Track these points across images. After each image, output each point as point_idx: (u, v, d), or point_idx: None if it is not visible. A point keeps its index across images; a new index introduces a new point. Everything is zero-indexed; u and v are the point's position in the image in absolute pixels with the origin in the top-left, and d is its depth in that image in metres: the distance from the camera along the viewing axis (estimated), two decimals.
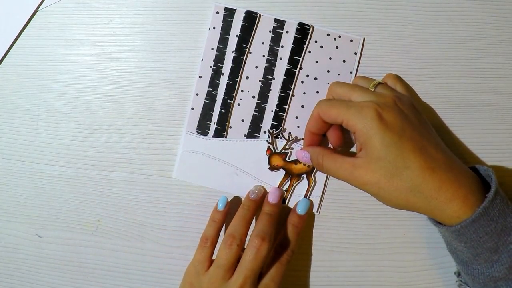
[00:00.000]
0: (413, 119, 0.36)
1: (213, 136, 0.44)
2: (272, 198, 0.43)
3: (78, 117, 0.45)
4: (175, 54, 0.45)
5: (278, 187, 0.44)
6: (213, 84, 0.44)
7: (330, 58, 0.44)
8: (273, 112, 0.44)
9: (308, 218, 0.44)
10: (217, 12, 0.44)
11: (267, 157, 0.44)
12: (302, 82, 0.44)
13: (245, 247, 0.41)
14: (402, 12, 0.44)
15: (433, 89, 0.44)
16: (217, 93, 0.44)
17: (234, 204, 0.44)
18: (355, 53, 0.44)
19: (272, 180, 0.44)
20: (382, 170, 0.35)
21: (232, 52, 0.44)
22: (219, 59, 0.44)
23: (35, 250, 0.46)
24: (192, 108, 0.44)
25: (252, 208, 0.42)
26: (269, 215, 0.42)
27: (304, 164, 0.44)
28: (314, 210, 0.44)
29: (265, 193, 0.44)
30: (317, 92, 0.44)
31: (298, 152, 0.43)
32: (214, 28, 0.44)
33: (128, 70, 0.45)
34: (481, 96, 0.45)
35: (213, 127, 0.44)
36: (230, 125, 0.44)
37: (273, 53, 0.44)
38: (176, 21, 0.45)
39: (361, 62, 0.44)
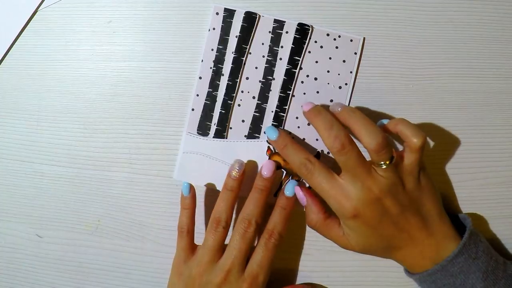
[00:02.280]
0: (396, 208, 0.38)
1: (213, 137, 0.44)
2: (265, 171, 0.42)
3: (78, 117, 0.45)
4: (175, 54, 0.45)
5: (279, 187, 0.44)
6: (213, 85, 0.44)
7: (330, 58, 0.44)
8: (273, 113, 0.44)
9: None
10: (217, 13, 0.44)
11: (268, 157, 0.44)
12: (302, 82, 0.44)
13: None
14: (402, 12, 0.44)
15: (433, 89, 0.44)
16: (217, 94, 0.44)
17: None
18: (355, 53, 0.44)
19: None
20: (358, 247, 0.40)
21: (232, 53, 0.44)
22: (219, 60, 0.44)
23: (35, 250, 0.46)
24: (193, 109, 0.44)
25: (235, 188, 0.42)
26: (260, 191, 0.41)
27: None
28: None
29: (245, 169, 0.43)
30: (317, 92, 0.44)
31: (297, 190, 0.42)
32: (214, 29, 0.44)
33: (128, 70, 0.45)
34: (481, 96, 0.45)
35: (213, 128, 0.44)
36: (230, 126, 0.44)
37: (273, 54, 0.44)
38: (176, 22, 0.45)
39: (361, 62, 0.44)
